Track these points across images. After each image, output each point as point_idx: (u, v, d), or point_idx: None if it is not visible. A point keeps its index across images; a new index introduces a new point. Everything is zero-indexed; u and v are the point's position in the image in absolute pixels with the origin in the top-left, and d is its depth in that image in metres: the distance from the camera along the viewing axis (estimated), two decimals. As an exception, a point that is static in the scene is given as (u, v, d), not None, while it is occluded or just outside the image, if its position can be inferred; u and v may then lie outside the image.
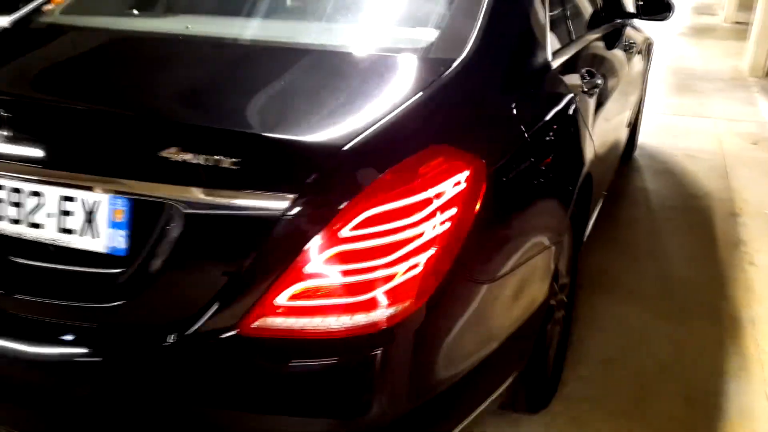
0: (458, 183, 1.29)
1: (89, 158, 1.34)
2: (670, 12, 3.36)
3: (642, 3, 3.34)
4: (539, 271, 1.65)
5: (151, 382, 1.29)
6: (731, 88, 7.25)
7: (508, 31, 1.72)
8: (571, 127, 1.90)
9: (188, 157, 1.23)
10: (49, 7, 2.08)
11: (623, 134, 3.53)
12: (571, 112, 1.91)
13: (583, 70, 2.21)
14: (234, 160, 1.22)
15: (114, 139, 1.35)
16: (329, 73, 1.56)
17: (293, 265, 1.21)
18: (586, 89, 2.14)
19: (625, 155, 4.21)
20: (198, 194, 1.23)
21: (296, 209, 1.20)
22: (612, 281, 2.98)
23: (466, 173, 1.31)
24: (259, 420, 1.26)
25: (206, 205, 1.24)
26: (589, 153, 2.07)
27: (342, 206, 1.20)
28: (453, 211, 1.27)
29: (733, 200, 4.01)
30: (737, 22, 12.26)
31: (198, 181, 1.23)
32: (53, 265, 1.37)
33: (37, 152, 1.35)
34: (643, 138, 4.95)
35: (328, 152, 1.24)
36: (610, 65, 2.77)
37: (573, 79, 2.07)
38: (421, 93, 1.40)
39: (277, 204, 1.20)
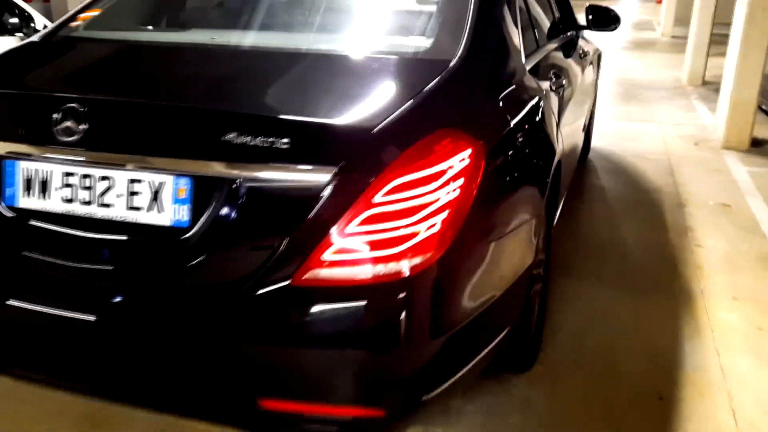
0: (463, 159, 1.57)
1: (156, 144, 1.58)
2: (617, 24, 3.75)
3: (592, 16, 3.72)
4: (526, 238, 1.95)
5: (215, 329, 1.53)
6: (673, 96, 7.79)
7: (490, 37, 2.02)
8: (544, 119, 2.22)
9: (246, 140, 1.49)
10: (76, 23, 2.30)
11: (581, 136, 3.90)
12: (543, 106, 2.23)
13: (550, 72, 2.54)
14: (284, 141, 1.48)
15: (178, 127, 1.59)
16: (350, 72, 1.85)
17: (336, 226, 1.47)
18: (554, 88, 2.47)
19: (581, 157, 4.58)
20: (255, 171, 1.49)
21: (337, 180, 1.46)
22: (577, 266, 3.30)
23: (469, 151, 1.59)
24: (309, 353, 1.50)
25: (262, 180, 1.49)
26: (558, 143, 2.39)
27: (373, 177, 1.47)
28: (461, 181, 1.56)
29: (679, 194, 4.41)
30: (674, 36, 13.01)
31: (255, 159, 1.48)
32: (116, 237, 1.60)
33: (108, 141, 1.59)
34: (596, 142, 5.36)
35: (361, 134, 1.51)
36: (569, 71, 3.11)
37: (543, 78, 2.39)
38: (428, 87, 1.69)
39: (321, 177, 1.47)
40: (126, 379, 1.65)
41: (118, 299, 1.59)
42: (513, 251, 1.85)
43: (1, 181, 1.70)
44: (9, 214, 1.69)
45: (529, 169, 1.98)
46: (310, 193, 1.47)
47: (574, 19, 3.74)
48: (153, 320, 1.57)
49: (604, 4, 3.92)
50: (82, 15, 2.34)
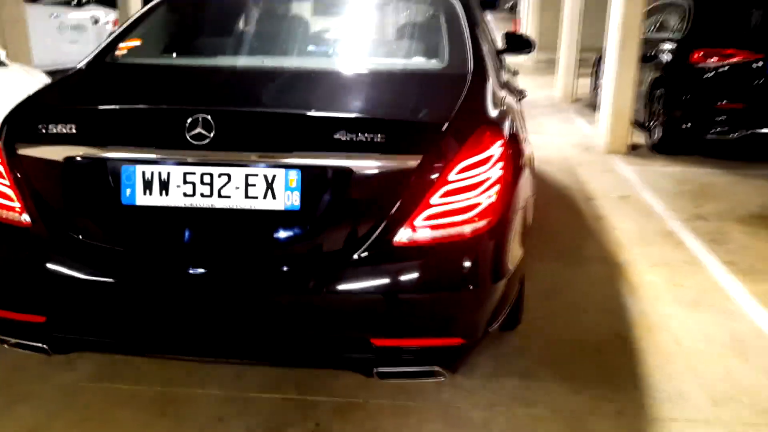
0: (500, 147, 2.08)
1: (270, 144, 1.96)
2: (531, 48, 4.44)
3: (509, 42, 4.39)
4: (531, 208, 2.48)
5: (332, 287, 1.92)
6: (553, 112, 8.82)
7: (484, 59, 2.55)
8: (522, 119, 2.79)
9: (350, 136, 1.91)
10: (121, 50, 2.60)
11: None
12: (520, 110, 2.80)
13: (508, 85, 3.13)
14: (380, 136, 1.92)
15: (287, 130, 1.98)
16: (405, 83, 2.32)
17: (423, 199, 1.92)
18: (519, 98, 3.06)
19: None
20: (359, 160, 1.91)
21: (422, 165, 1.92)
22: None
23: (502, 141, 2.10)
24: (407, 299, 1.94)
25: (364, 167, 1.92)
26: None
27: (448, 161, 1.94)
28: (501, 164, 2.06)
29: (585, 190, 5.20)
30: (539, 61, 14.42)
31: (358, 150, 1.91)
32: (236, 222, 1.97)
33: (231, 143, 1.94)
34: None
35: (436, 130, 1.98)
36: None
37: (513, 88, 2.98)
38: (463, 93, 2.20)
39: (410, 162, 1.92)
40: (259, 338, 2.00)
41: (242, 272, 1.95)
42: (526, 218, 2.38)
43: (120, 184, 2.00)
44: (129, 211, 1.99)
45: (523, 157, 2.53)
46: (403, 176, 1.92)
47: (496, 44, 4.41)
48: (276, 288, 1.94)
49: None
50: (122, 45, 2.62)
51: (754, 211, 4.71)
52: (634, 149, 6.62)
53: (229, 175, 1.95)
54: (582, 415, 2.37)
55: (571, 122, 8.11)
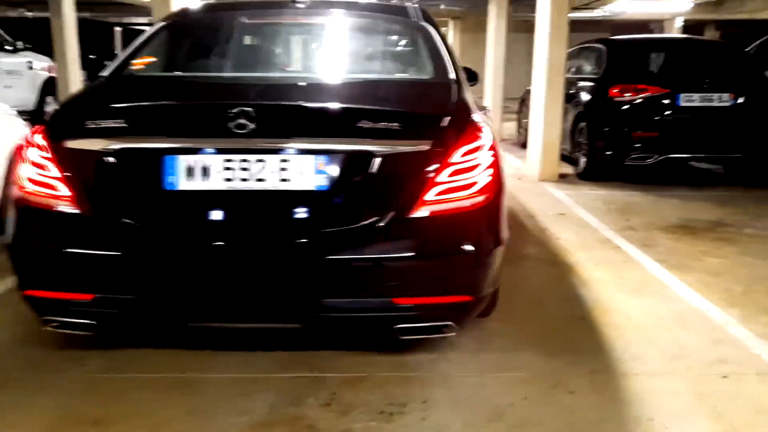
0: (490, 138, 2.47)
1: (301, 132, 2.26)
2: (476, 81, 4.96)
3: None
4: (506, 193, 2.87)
5: (359, 254, 2.22)
6: (484, 149, 9.41)
7: (459, 71, 2.96)
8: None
9: (370, 125, 2.25)
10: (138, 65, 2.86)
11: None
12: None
13: None
14: (395, 125, 2.27)
15: (316, 120, 2.29)
16: (409, 87, 2.70)
17: (432, 177, 2.27)
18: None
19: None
20: (378, 145, 2.25)
21: (431, 149, 2.28)
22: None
23: (490, 134, 2.50)
24: (423, 261, 2.26)
25: (383, 151, 2.25)
26: None
27: (451, 147, 2.31)
28: (492, 152, 2.45)
29: (526, 209, 5.69)
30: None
31: (378, 137, 2.24)
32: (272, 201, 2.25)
33: (268, 132, 2.23)
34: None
35: (440, 121, 2.35)
36: None
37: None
38: (453, 94, 2.59)
39: (421, 147, 2.27)
40: (295, 302, 2.26)
41: (277, 246, 2.22)
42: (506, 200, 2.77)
43: (162, 172, 2.24)
44: (172, 195, 2.24)
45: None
46: (416, 158, 2.27)
47: None
48: (309, 258, 2.22)
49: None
50: (136, 61, 2.88)
51: (674, 222, 5.31)
52: (562, 177, 7.23)
53: (265, 161, 2.24)
54: (561, 375, 2.72)
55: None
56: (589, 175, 7.02)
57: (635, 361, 2.85)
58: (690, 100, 6.47)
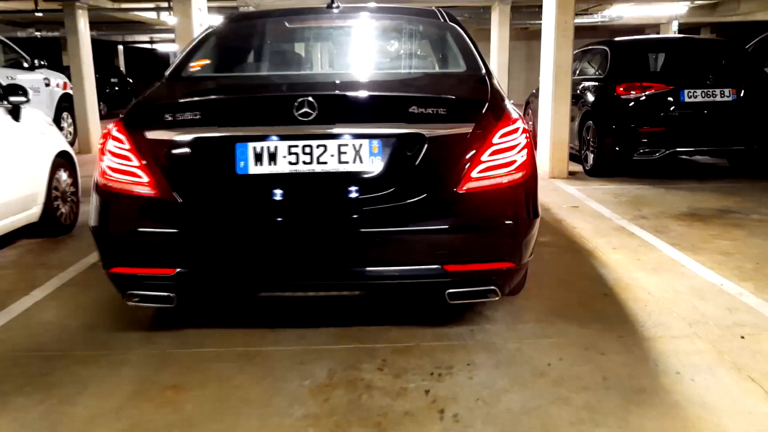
0: (522, 122, 2.73)
1: (357, 119, 2.52)
2: None
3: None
4: None
5: (413, 227, 2.47)
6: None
7: (488, 64, 3.23)
8: None
9: (419, 110, 2.51)
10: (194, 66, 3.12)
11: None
12: None
13: None
14: (442, 110, 2.52)
15: (371, 108, 2.55)
16: (449, 78, 2.96)
17: (476, 156, 2.53)
18: None
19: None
20: (428, 128, 2.50)
21: (474, 131, 2.54)
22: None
23: (521, 119, 2.76)
24: (472, 232, 2.51)
25: (433, 133, 2.50)
26: None
27: (492, 129, 2.57)
28: (525, 134, 2.70)
29: (541, 203, 5.91)
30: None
31: (428, 121, 2.50)
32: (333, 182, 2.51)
33: (328, 119, 2.49)
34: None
35: (481, 106, 2.61)
36: None
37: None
38: (488, 83, 2.85)
39: (465, 129, 2.53)
40: (357, 270, 2.51)
41: (339, 220, 2.47)
42: None
43: (234, 158, 2.50)
44: (243, 178, 2.49)
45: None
46: (461, 139, 2.52)
47: None
48: (369, 231, 2.47)
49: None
50: (192, 64, 3.15)
51: (684, 211, 5.56)
52: (572, 174, 7.49)
53: (325, 146, 2.50)
54: (591, 340, 2.97)
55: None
56: (598, 171, 7.28)
57: (659, 327, 3.10)
58: (693, 96, 6.75)
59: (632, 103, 6.88)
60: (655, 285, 3.70)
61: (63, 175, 4.99)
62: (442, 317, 3.21)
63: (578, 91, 7.63)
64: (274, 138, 2.49)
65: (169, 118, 2.51)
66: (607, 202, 6.01)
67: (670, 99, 6.78)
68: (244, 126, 2.53)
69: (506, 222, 2.57)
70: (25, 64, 10.03)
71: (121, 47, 26.51)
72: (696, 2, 14.33)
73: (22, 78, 9.87)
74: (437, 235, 2.50)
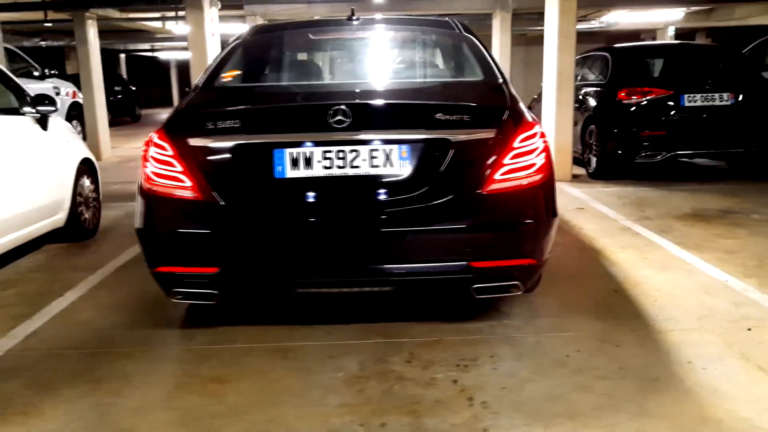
0: (539, 127, 2.90)
1: (387, 125, 2.68)
2: None
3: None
4: None
5: (442, 225, 2.64)
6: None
7: (502, 74, 3.40)
8: None
9: (445, 117, 2.67)
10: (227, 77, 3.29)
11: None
12: None
13: None
14: (466, 116, 2.69)
15: (400, 115, 2.72)
16: (471, 86, 3.12)
17: (499, 159, 2.69)
18: None
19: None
20: (454, 134, 2.67)
21: (496, 136, 2.70)
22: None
23: (539, 124, 2.93)
24: (495, 230, 2.67)
25: (458, 138, 2.67)
26: None
27: (513, 133, 2.73)
28: (543, 139, 2.87)
29: (548, 206, 6.10)
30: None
31: (453, 127, 2.66)
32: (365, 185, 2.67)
33: (360, 126, 2.65)
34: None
35: (502, 112, 2.78)
36: None
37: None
38: (505, 91, 3.02)
39: (488, 134, 2.70)
40: (387, 268, 2.66)
41: (371, 219, 2.64)
42: None
43: (272, 163, 2.66)
44: (281, 182, 2.66)
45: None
46: (484, 143, 2.69)
47: None
48: (399, 230, 2.63)
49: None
50: (225, 74, 3.31)
51: (687, 212, 5.74)
52: (575, 178, 7.67)
53: (357, 151, 2.66)
54: (606, 333, 3.13)
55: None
56: (601, 174, 7.46)
57: (669, 321, 3.26)
58: (693, 100, 6.93)
59: (634, 108, 7.06)
60: (663, 282, 3.86)
61: (86, 182, 5.14)
62: (462, 313, 3.37)
63: (580, 97, 7.81)
64: (310, 144, 2.65)
65: (211, 126, 2.68)
66: (612, 203, 6.18)
67: (671, 103, 6.97)
68: (282, 133, 2.69)
69: (528, 221, 2.73)
70: (36, 73, 10.19)
71: (123, 55, 26.68)
72: (692, 8, 14.53)
73: (32, 87, 10.00)
74: (463, 233, 2.66)
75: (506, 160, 2.70)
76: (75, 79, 14.11)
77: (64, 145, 4.85)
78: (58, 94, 10.49)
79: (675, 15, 15.17)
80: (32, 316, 3.49)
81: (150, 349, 3.07)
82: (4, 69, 4.65)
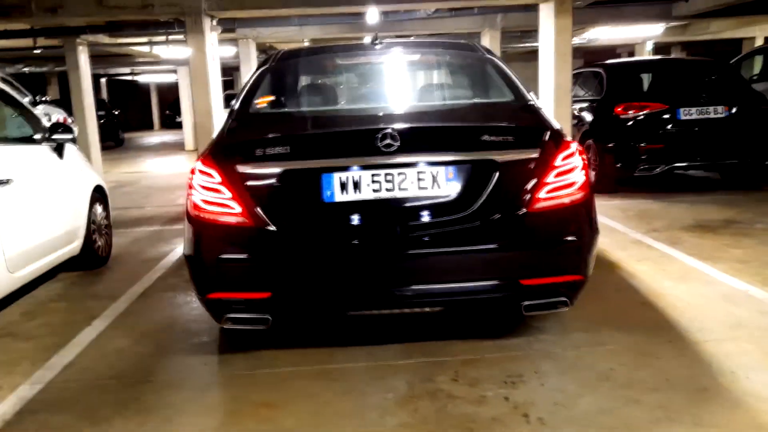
0: (577, 146, 2.96)
1: (434, 147, 2.72)
2: None
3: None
4: None
5: (489, 244, 2.68)
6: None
7: (529, 94, 3.47)
8: None
9: (490, 138, 2.72)
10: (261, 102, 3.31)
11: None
12: None
13: None
14: (510, 137, 2.75)
15: (446, 138, 2.77)
16: (505, 107, 3.18)
17: (543, 178, 2.75)
18: None
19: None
20: (499, 155, 2.72)
21: (539, 156, 2.76)
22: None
23: (576, 143, 2.99)
24: (544, 248, 2.72)
25: (504, 159, 2.72)
26: None
27: (554, 153, 2.79)
28: (582, 156, 2.93)
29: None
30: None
31: (499, 148, 2.72)
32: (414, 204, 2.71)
33: (408, 149, 2.69)
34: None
35: (543, 133, 2.83)
36: None
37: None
38: (539, 111, 3.08)
39: (532, 154, 2.75)
40: (439, 286, 2.69)
41: (422, 237, 2.67)
42: None
43: (321, 187, 2.69)
44: (330, 207, 2.68)
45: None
46: (528, 163, 2.74)
47: None
48: (449, 249, 2.67)
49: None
50: (259, 101, 3.34)
51: (691, 223, 5.85)
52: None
53: (405, 174, 2.70)
54: (644, 346, 3.18)
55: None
56: (600, 188, 7.56)
57: (702, 331, 3.32)
58: (689, 113, 7.09)
59: (631, 122, 7.20)
60: (685, 293, 3.93)
61: (98, 209, 5.11)
62: (498, 330, 3.40)
63: (575, 112, 7.95)
64: (357, 168, 2.68)
65: (260, 153, 2.70)
66: (617, 217, 6.28)
67: (667, 117, 7.12)
68: (330, 158, 2.72)
69: (573, 238, 2.79)
70: (26, 99, 10.10)
71: (103, 80, 26.56)
72: (671, 23, 14.87)
73: (23, 114, 9.98)
74: (512, 252, 2.71)
75: (549, 179, 2.76)
76: (56, 104, 14.07)
77: (79, 173, 4.82)
78: (49, 120, 10.41)
79: (655, 30, 15.50)
80: (65, 346, 3.46)
81: (192, 376, 3.05)
82: (20, 99, 4.62)
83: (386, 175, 2.69)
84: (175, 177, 11.37)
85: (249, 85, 3.47)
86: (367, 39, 3.84)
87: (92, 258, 4.95)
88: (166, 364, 3.22)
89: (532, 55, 8.85)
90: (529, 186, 2.73)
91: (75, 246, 4.67)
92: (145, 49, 13.58)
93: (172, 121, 26.51)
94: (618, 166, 7.29)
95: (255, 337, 3.38)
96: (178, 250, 5.62)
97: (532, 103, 3.24)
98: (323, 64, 3.90)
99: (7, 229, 3.76)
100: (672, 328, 3.39)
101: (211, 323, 3.46)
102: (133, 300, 4.25)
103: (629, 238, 5.41)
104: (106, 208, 5.31)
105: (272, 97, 3.43)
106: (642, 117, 7.17)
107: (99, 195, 5.16)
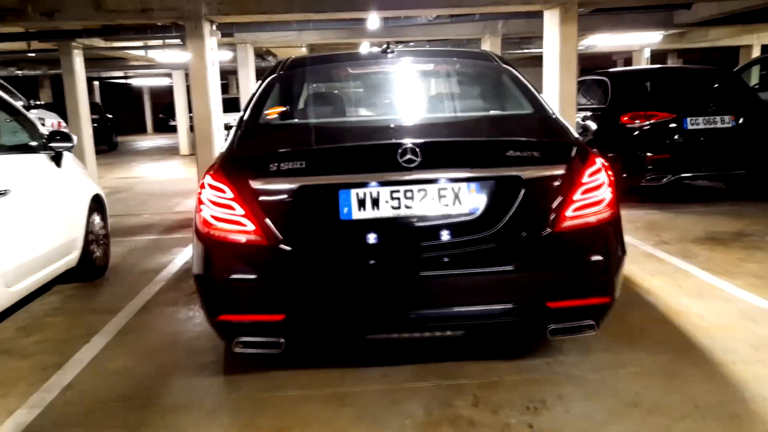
0: (604, 161, 2.84)
1: (455, 163, 2.60)
2: None
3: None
4: None
5: (511, 264, 2.55)
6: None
7: (551, 106, 3.35)
8: None
9: (515, 154, 2.60)
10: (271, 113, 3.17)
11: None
12: None
13: None
14: (538, 153, 2.62)
15: (468, 154, 2.63)
16: (528, 120, 3.05)
17: (569, 196, 2.62)
18: None
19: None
20: (525, 171, 2.59)
21: (565, 172, 2.64)
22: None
23: (602, 159, 2.87)
24: (570, 269, 2.60)
25: (528, 174, 2.59)
26: None
27: (581, 169, 2.67)
28: (609, 172, 2.81)
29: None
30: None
31: (523, 164, 2.59)
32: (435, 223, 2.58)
33: (428, 165, 2.56)
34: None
35: (570, 148, 2.71)
36: None
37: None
38: (561, 124, 2.96)
39: (558, 170, 2.63)
40: (462, 309, 2.56)
41: (444, 257, 2.54)
42: None
43: (338, 204, 2.56)
44: (348, 224, 2.55)
45: None
46: (554, 179, 2.62)
47: None
48: (471, 270, 2.54)
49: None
50: (269, 112, 3.20)
51: (701, 235, 5.75)
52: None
53: (426, 190, 2.57)
54: (668, 368, 3.06)
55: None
56: (605, 198, 7.46)
57: (728, 353, 3.20)
58: (696, 123, 7.00)
59: (637, 132, 7.11)
60: (705, 310, 3.82)
61: (96, 218, 4.96)
62: (514, 350, 3.28)
63: (579, 121, 7.85)
64: (376, 184, 2.56)
65: (273, 168, 2.56)
66: (625, 228, 6.11)
67: (674, 126, 7.03)
68: (349, 174, 2.58)
69: (601, 258, 2.66)
70: (20, 104, 9.93)
71: (96, 83, 26.34)
72: (670, 31, 14.84)
73: (17, 118, 9.80)
74: (538, 273, 2.58)
75: (576, 196, 2.64)
76: (49, 108, 13.88)
77: (76, 181, 4.67)
78: (43, 124, 10.24)
79: (653, 37, 15.45)
80: (63, 366, 3.31)
81: (198, 399, 2.91)
82: (18, 106, 4.47)
83: (406, 191, 2.56)
84: (171, 183, 11.21)
85: (258, 94, 3.34)
86: (374, 48, 3.72)
87: (90, 269, 4.80)
88: (170, 385, 3.07)
89: (530, 61, 8.77)
90: (556, 204, 2.61)
91: (73, 257, 4.52)
92: (141, 52, 13.41)
93: (165, 125, 26.32)
94: (624, 176, 7.19)
95: (262, 357, 3.24)
96: (177, 261, 5.48)
97: (554, 116, 3.12)
98: (334, 73, 3.77)
99: (5, 243, 3.61)
100: (695, 349, 3.27)
101: (216, 341, 3.33)
102: (132, 315, 4.10)
103: (640, 250, 5.30)
104: (104, 217, 5.16)
105: (283, 108, 3.29)
106: (648, 126, 7.07)
107: (97, 204, 5.01)
